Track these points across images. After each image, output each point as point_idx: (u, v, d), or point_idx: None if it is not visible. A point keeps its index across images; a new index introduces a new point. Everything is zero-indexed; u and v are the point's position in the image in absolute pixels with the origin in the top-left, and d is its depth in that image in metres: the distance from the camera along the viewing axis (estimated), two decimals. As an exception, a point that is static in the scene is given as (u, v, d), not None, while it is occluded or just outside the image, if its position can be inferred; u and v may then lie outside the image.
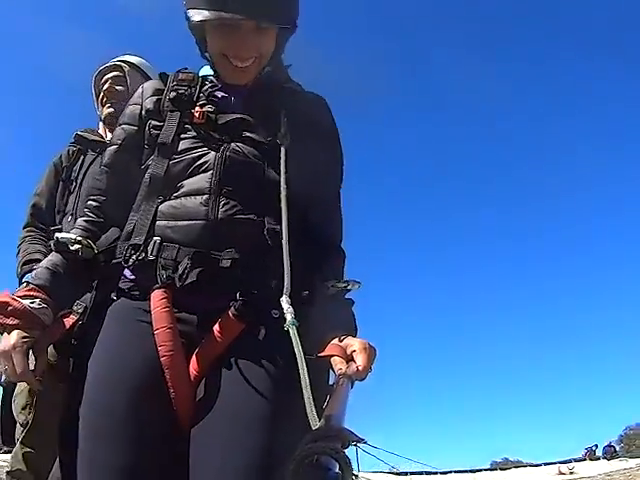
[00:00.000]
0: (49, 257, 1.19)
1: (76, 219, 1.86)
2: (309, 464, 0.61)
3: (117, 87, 2.14)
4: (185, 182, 1.16)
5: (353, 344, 1.03)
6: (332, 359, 1.03)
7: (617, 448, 19.92)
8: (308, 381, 0.86)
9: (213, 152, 1.17)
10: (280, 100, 1.26)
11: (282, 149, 1.18)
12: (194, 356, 1.07)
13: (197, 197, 1.13)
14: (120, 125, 1.30)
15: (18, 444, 1.71)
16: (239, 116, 1.22)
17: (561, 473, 14.69)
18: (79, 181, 2.02)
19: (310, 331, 0.98)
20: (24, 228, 2.02)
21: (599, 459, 17.88)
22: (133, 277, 1.13)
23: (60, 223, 1.97)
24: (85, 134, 2.15)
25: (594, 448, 19.29)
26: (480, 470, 20.57)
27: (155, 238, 1.12)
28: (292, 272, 1.03)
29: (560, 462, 17.27)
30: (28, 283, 1.12)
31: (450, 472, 19.23)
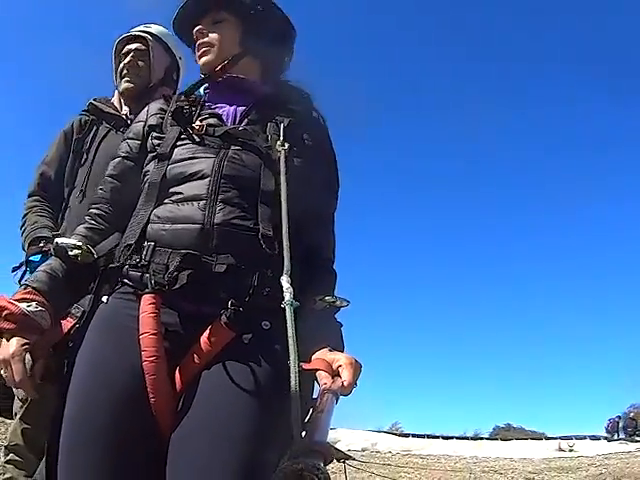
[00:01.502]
0: (48, 261, 1.21)
1: (84, 196, 1.87)
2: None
3: (139, 62, 2.06)
4: (183, 188, 1.18)
5: (339, 359, 1.05)
6: (317, 373, 1.04)
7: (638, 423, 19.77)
8: (298, 381, 0.88)
9: (211, 159, 1.19)
10: (282, 115, 1.31)
11: (282, 153, 1.20)
12: (180, 365, 1.08)
13: (194, 202, 1.15)
14: (125, 140, 1.35)
15: (18, 420, 1.74)
16: (238, 126, 1.26)
17: (561, 449, 14.85)
18: (91, 155, 1.96)
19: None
20: (30, 197, 1.97)
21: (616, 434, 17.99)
22: (126, 281, 1.15)
23: (68, 197, 1.94)
24: (100, 105, 2.08)
25: (617, 420, 19.34)
26: (482, 438, 20.88)
27: (150, 242, 1.13)
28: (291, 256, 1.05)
29: (561, 437, 17.45)
30: (26, 286, 1.13)
31: (452, 438, 19.56)
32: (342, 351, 1.11)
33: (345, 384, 0.99)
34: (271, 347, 1.07)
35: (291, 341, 0.91)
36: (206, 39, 1.37)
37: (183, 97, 1.36)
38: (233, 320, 1.06)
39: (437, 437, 19.13)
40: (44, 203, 1.95)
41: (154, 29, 2.14)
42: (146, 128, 1.32)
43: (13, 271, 1.78)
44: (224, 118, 1.30)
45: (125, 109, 2.09)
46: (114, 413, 1.01)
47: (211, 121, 1.27)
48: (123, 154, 1.33)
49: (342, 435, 15.26)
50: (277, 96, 1.38)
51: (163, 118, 1.31)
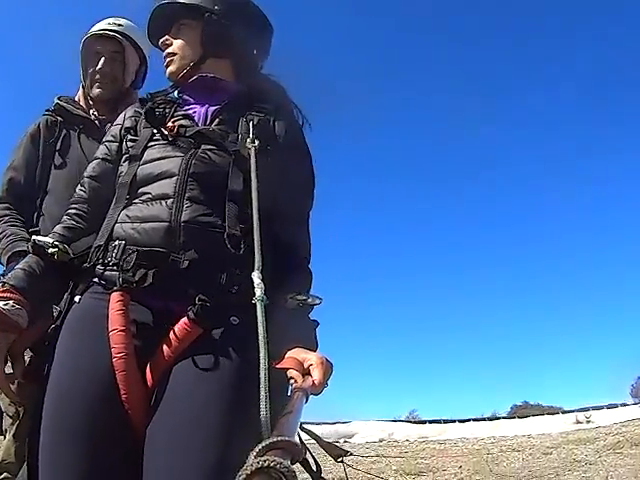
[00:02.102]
0: (25, 259, 1.21)
1: (60, 204, 1.80)
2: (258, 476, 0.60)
3: (113, 66, 2.00)
4: (152, 187, 1.19)
5: (310, 358, 1.05)
6: (288, 372, 1.04)
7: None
8: (267, 378, 0.88)
9: (179, 158, 1.20)
10: (253, 113, 1.32)
11: (252, 150, 1.21)
12: (151, 361, 1.09)
13: (163, 201, 1.16)
14: (103, 142, 1.38)
15: (10, 438, 1.74)
16: (209, 127, 1.27)
17: (578, 422, 14.87)
18: (65, 160, 1.89)
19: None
20: None
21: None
22: (97, 280, 1.16)
23: (41, 203, 1.88)
24: (68, 106, 2.01)
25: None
26: (498, 418, 20.91)
27: (120, 241, 1.14)
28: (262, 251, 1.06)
29: (578, 410, 17.46)
30: (3, 284, 1.14)
31: (469, 420, 19.56)
32: (315, 350, 1.11)
33: (315, 383, 1.00)
34: (240, 343, 1.08)
35: (261, 337, 0.92)
36: (169, 49, 1.39)
37: (155, 98, 1.37)
38: (200, 315, 1.07)
39: (454, 421, 19.14)
40: (14, 211, 1.87)
41: (125, 26, 2.04)
42: (122, 131, 1.35)
43: None
44: (195, 119, 1.31)
45: (93, 111, 2.03)
46: (90, 410, 1.03)
47: (183, 122, 1.29)
48: (102, 156, 1.36)
49: (358, 428, 15.29)
50: (249, 94, 1.38)
51: (138, 120, 1.34)
